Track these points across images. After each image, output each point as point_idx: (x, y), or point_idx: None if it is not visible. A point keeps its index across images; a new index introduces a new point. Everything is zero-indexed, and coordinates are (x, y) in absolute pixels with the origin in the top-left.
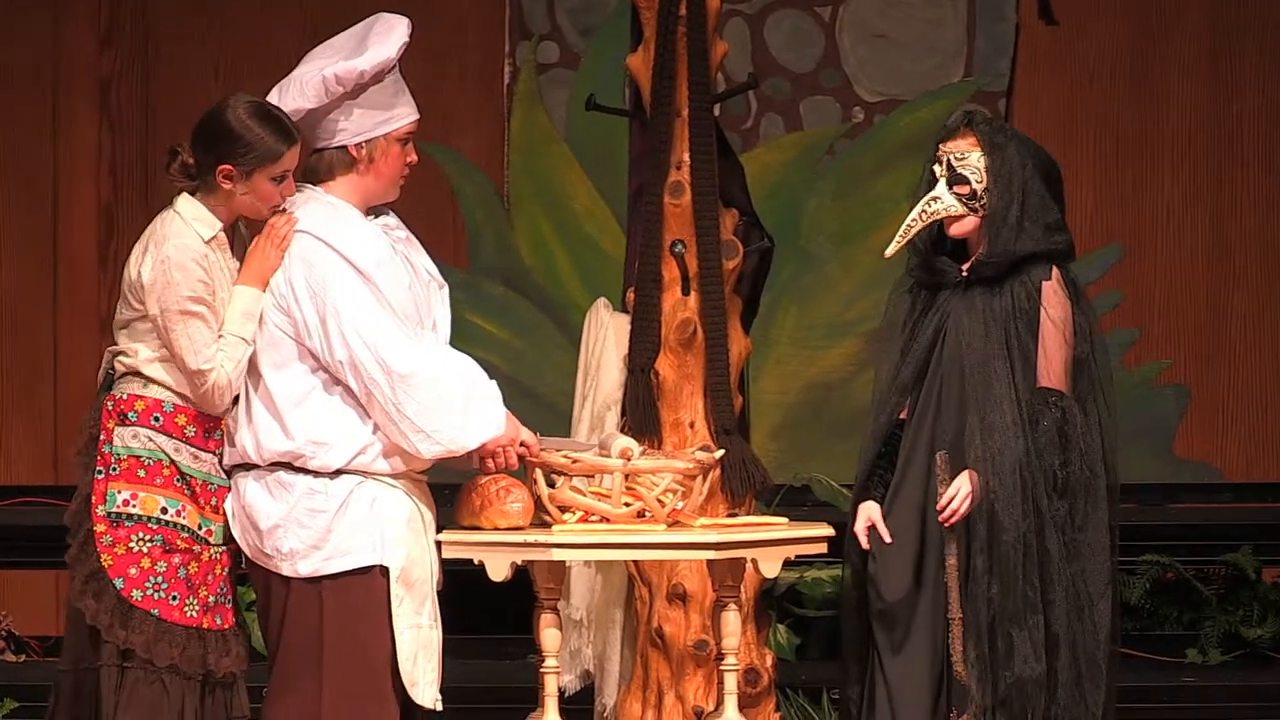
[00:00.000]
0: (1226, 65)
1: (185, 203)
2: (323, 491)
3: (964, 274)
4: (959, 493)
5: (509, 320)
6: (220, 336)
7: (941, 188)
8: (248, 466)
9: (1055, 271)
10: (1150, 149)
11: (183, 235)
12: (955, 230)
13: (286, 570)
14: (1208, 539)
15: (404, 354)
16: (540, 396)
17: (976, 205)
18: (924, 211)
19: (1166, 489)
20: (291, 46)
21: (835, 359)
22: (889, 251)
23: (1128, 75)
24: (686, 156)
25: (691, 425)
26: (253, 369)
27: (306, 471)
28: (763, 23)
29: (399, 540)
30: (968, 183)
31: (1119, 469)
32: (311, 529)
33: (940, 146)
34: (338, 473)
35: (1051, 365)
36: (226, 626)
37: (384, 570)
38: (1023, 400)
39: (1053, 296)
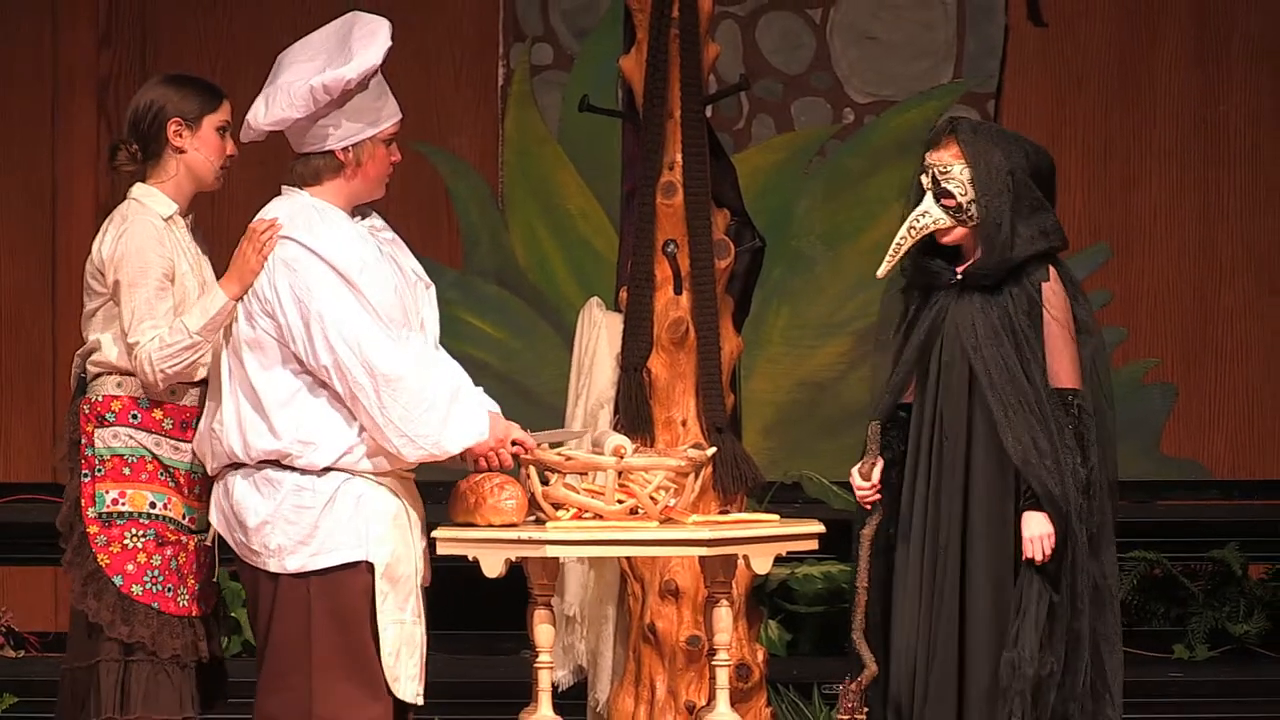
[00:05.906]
0: (1213, 66)
1: (140, 189)
2: (310, 488)
3: (958, 276)
4: (1043, 536)
5: (503, 319)
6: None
7: (929, 201)
8: (235, 465)
9: (1052, 270)
10: (1138, 149)
11: (142, 216)
12: (947, 240)
13: (274, 566)
14: (1194, 535)
15: (390, 358)
16: (534, 395)
17: (964, 217)
18: (912, 228)
19: (1154, 486)
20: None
21: (826, 358)
22: (880, 272)
23: (1115, 76)
24: (679, 157)
25: (684, 423)
26: (239, 370)
27: (294, 469)
28: (754, 25)
29: (384, 537)
30: (953, 196)
31: (1117, 462)
32: (298, 525)
33: (926, 156)
34: (325, 470)
35: (1062, 364)
36: (209, 612)
37: (369, 566)
38: (1045, 405)
39: (1053, 296)
